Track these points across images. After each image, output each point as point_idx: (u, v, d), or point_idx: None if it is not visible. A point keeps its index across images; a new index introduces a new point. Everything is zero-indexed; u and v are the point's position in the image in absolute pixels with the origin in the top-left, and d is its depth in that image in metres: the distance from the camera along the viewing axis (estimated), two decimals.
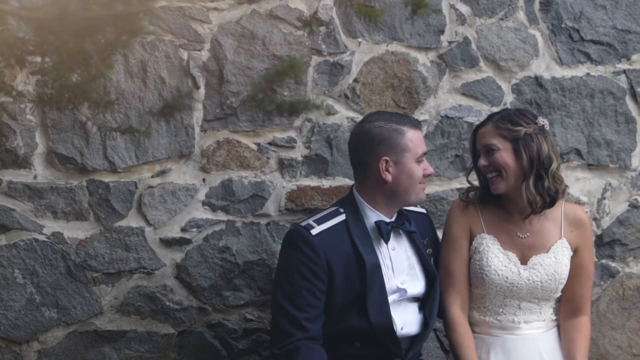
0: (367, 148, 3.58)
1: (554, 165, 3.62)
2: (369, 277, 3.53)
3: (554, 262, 3.65)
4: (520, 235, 3.68)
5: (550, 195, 3.61)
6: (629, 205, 4.40)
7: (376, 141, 3.56)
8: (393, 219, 3.63)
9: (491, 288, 3.65)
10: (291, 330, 3.48)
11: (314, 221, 3.59)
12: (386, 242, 3.60)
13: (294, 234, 3.58)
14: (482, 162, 3.65)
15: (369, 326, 3.53)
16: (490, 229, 3.69)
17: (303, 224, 3.59)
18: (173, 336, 4.03)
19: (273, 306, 3.61)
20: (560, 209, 3.70)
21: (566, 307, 3.72)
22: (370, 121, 3.61)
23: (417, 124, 3.64)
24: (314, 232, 3.54)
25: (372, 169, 3.57)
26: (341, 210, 3.62)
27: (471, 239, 3.71)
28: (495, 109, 4.21)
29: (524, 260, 3.66)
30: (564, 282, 3.67)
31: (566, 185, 3.70)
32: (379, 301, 3.54)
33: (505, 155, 3.62)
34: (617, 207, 4.38)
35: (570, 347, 3.67)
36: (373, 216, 3.61)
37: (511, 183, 3.62)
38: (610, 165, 4.36)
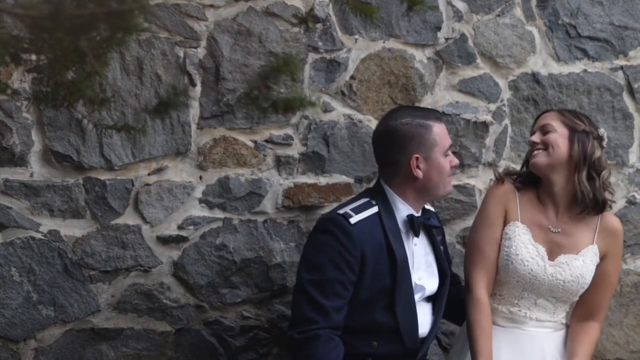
0: (397, 146, 3.55)
1: (606, 173, 3.63)
2: (399, 273, 3.51)
3: (581, 265, 3.63)
4: (552, 229, 3.64)
5: (602, 198, 3.60)
6: (626, 202, 4.40)
7: (406, 139, 3.53)
8: (419, 214, 3.63)
9: (513, 277, 3.62)
10: (315, 317, 3.44)
11: (351, 210, 3.53)
12: (417, 236, 3.58)
13: (332, 221, 3.51)
14: (534, 138, 3.64)
15: (394, 323, 3.51)
16: (524, 219, 3.66)
17: (341, 212, 3.53)
18: (170, 334, 4.03)
19: (297, 290, 3.54)
20: (598, 216, 3.68)
21: (580, 310, 3.70)
22: (396, 119, 3.57)
23: (440, 117, 3.63)
24: (352, 221, 3.49)
25: (403, 167, 3.55)
26: (373, 202, 3.57)
27: (504, 224, 3.68)
28: (492, 106, 4.22)
29: (551, 257, 3.63)
30: (586, 287, 3.65)
31: (613, 201, 3.71)
32: (406, 299, 3.53)
33: (559, 138, 3.61)
34: (614, 203, 4.37)
35: (574, 344, 3.65)
36: (404, 210, 3.57)
37: (553, 163, 3.60)
38: (608, 162, 4.35)
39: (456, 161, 3.63)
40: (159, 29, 3.89)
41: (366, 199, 3.59)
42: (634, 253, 4.42)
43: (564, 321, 3.72)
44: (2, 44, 2.37)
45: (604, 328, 4.39)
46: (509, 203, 3.68)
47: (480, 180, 4.24)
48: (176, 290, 4.01)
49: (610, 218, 3.74)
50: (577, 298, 3.68)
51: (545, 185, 3.66)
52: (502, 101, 4.25)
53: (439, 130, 3.56)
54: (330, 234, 3.49)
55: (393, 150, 3.56)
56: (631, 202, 4.39)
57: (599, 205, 3.62)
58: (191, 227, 4.00)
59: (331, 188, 4.08)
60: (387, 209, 3.56)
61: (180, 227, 4.00)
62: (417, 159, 3.53)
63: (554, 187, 3.63)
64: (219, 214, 4.02)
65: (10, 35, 2.42)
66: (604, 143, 3.68)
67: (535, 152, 3.63)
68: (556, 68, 4.30)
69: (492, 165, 4.22)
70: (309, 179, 4.09)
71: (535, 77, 4.28)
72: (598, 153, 3.63)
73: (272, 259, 4.04)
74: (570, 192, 3.63)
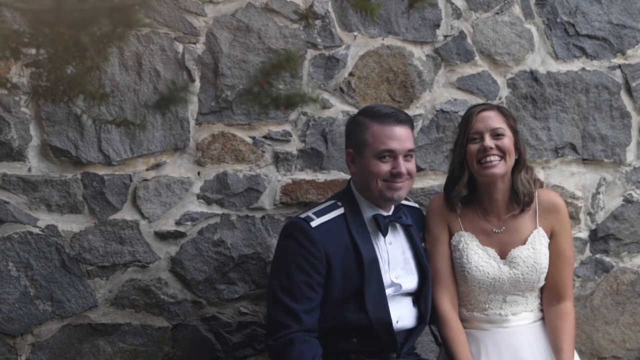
0: (345, 139, 3.70)
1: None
2: (366, 272, 3.52)
3: (533, 254, 3.65)
4: (496, 231, 3.68)
5: (532, 192, 3.67)
6: (623, 200, 4.40)
7: (345, 133, 3.69)
8: (390, 213, 3.63)
9: (474, 284, 3.66)
10: (287, 322, 3.48)
11: (313, 213, 3.57)
12: (384, 235, 3.59)
13: (293, 226, 3.56)
14: (488, 143, 3.62)
15: (367, 321, 3.52)
16: (467, 226, 3.70)
17: (302, 216, 3.58)
18: (167, 329, 4.03)
19: (269, 298, 3.59)
20: (534, 198, 3.70)
21: (548, 293, 3.72)
22: (357, 113, 3.70)
23: (390, 120, 3.56)
24: (313, 224, 3.53)
25: (345, 160, 3.68)
26: (339, 204, 3.61)
27: (450, 236, 3.71)
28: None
29: (503, 255, 3.67)
30: (546, 271, 3.67)
31: (539, 181, 3.75)
32: (377, 296, 3.54)
33: (510, 143, 3.64)
34: (611, 201, 4.38)
35: (556, 337, 3.66)
36: (370, 210, 3.61)
37: (508, 171, 3.65)
38: (605, 160, 4.36)
39: (400, 169, 3.53)
40: (158, 24, 3.89)
41: (332, 201, 3.64)
42: (631, 251, 4.42)
43: (540, 307, 3.73)
44: (2, 38, 2.36)
45: (600, 326, 4.40)
46: (449, 216, 3.72)
47: None
48: (173, 286, 4.01)
49: (547, 195, 3.75)
50: (542, 283, 3.69)
51: (487, 191, 3.68)
52: (500, 99, 4.25)
53: (376, 132, 3.54)
54: (293, 238, 3.53)
55: (345, 142, 3.71)
56: (628, 201, 4.40)
57: (531, 200, 3.65)
58: (189, 223, 4.00)
59: (329, 184, 4.08)
60: (353, 210, 3.60)
61: (178, 223, 4.00)
62: (351, 154, 3.61)
63: (497, 192, 3.66)
64: (216, 209, 4.02)
65: (10, 30, 2.41)
66: None
67: (491, 158, 3.61)
68: (554, 66, 4.31)
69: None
70: (307, 175, 4.09)
71: (533, 75, 4.28)
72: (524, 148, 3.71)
73: (269, 255, 4.04)
74: (508, 192, 3.66)
